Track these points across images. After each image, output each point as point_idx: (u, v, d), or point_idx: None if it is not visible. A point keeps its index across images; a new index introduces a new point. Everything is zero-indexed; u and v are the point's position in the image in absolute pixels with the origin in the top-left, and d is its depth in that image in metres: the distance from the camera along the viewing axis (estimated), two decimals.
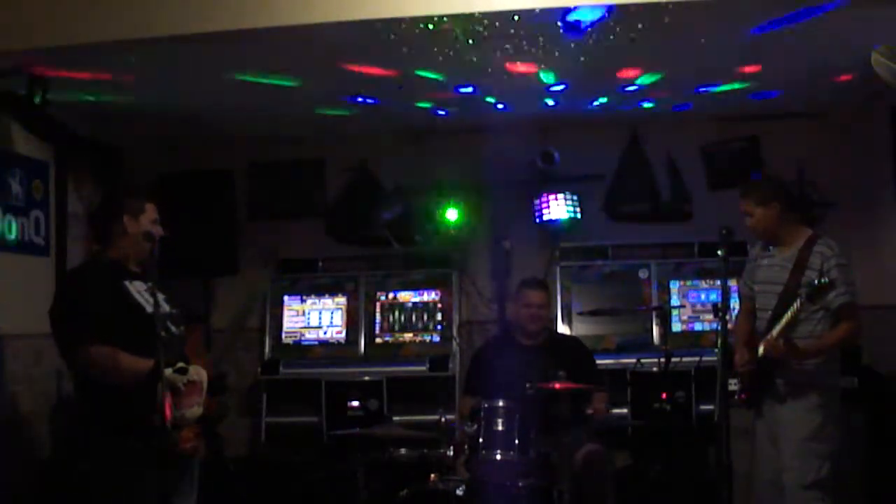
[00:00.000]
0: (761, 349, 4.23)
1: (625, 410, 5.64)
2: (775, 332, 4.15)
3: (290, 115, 5.92)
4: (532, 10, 3.99)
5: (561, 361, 4.72)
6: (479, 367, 5.19)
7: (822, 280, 4.04)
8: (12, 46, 4.28)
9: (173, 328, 3.67)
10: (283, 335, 6.35)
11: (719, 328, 4.02)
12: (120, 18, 4.13)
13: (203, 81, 5.14)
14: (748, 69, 5.07)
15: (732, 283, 4.66)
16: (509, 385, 4.63)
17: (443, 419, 4.50)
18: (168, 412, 3.32)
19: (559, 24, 4.18)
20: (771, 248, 4.43)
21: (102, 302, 3.50)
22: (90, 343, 3.44)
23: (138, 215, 3.69)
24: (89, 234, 3.83)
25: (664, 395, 5.38)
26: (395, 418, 5.28)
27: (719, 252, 4.10)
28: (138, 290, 3.63)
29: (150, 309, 3.52)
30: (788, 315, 4.09)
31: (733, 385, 4.33)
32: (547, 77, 5.08)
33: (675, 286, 6.08)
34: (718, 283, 4.33)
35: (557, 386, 4.37)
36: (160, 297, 3.56)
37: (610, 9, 4.03)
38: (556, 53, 4.62)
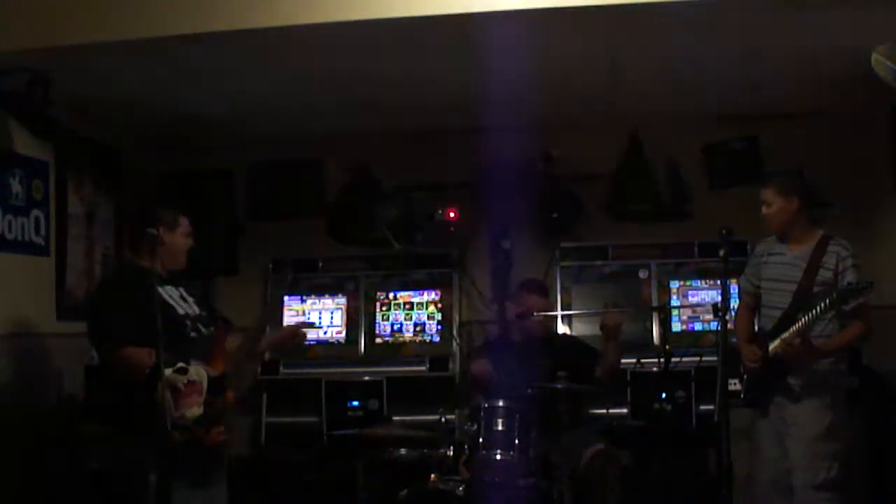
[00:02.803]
0: (772, 347, 4.22)
1: (625, 410, 5.63)
2: (793, 331, 4.14)
3: (290, 115, 5.93)
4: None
5: (559, 360, 4.72)
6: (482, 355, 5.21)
7: (843, 279, 4.04)
8: (13, 46, 4.27)
9: (203, 329, 3.75)
10: None
11: (719, 328, 4.02)
12: (120, 18, 4.14)
13: (203, 81, 5.14)
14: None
15: (732, 283, 4.67)
16: (508, 384, 4.63)
17: (443, 419, 4.50)
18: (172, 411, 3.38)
19: None
20: (782, 244, 4.42)
21: (137, 306, 3.58)
22: (127, 347, 3.56)
23: (173, 228, 3.88)
24: (123, 242, 4.04)
25: (664, 395, 5.38)
26: (395, 418, 5.28)
27: (719, 252, 4.10)
28: (170, 294, 3.77)
29: (180, 310, 3.71)
30: (812, 314, 4.08)
31: (734, 385, 4.33)
32: None
33: (675, 286, 6.08)
34: (718, 283, 4.33)
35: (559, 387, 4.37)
36: (191, 300, 3.77)
37: None
38: None
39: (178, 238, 3.91)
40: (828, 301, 4.05)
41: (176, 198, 6.21)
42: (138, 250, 3.86)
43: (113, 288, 3.95)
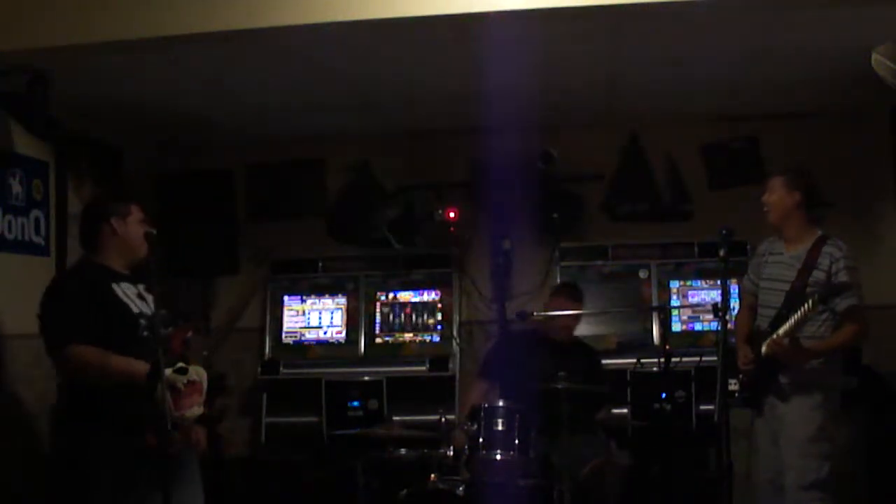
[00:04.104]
0: (765, 348, 4.22)
1: (625, 410, 5.64)
2: (781, 331, 4.14)
3: (290, 115, 5.93)
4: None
5: (580, 365, 4.74)
6: (500, 352, 5.20)
7: (838, 281, 4.05)
8: (13, 46, 4.27)
9: (161, 329, 3.67)
10: (283, 335, 6.36)
11: (719, 328, 4.02)
12: (121, 18, 4.13)
13: (203, 81, 5.15)
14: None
15: (732, 283, 4.67)
16: (525, 377, 4.63)
17: (443, 419, 4.50)
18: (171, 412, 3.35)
19: None
20: (780, 244, 4.43)
21: (88, 303, 3.53)
22: (74, 344, 3.46)
23: (125, 217, 3.73)
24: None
25: (664, 395, 5.38)
26: (395, 418, 5.28)
27: (719, 252, 4.10)
28: (125, 291, 3.66)
29: (135, 308, 3.58)
30: (798, 315, 4.08)
31: (733, 385, 4.33)
32: None
33: (675, 286, 6.08)
34: (718, 283, 4.34)
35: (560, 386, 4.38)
36: (149, 298, 3.61)
37: None
38: None
39: (132, 226, 3.74)
40: (810, 302, 4.05)
41: (176, 198, 6.24)
42: (92, 247, 3.77)
43: (64, 283, 3.83)
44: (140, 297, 3.69)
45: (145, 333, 3.51)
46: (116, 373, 3.45)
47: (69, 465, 3.61)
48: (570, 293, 5.28)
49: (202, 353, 3.71)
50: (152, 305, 3.63)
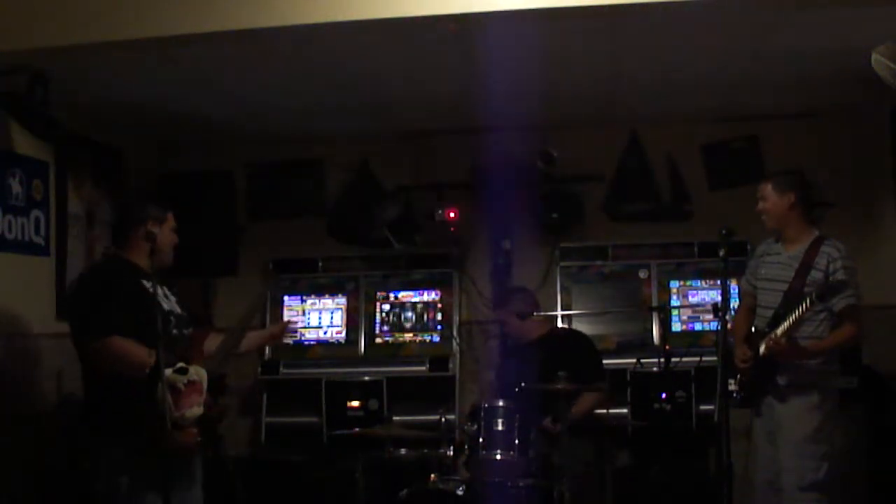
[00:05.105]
0: (762, 348, 4.23)
1: (625, 410, 5.64)
2: (779, 331, 4.15)
3: (290, 115, 5.93)
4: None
5: (559, 358, 4.72)
6: (504, 374, 5.25)
7: (833, 279, 4.05)
8: (13, 46, 4.27)
9: (184, 329, 3.74)
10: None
11: (719, 328, 4.03)
12: (121, 18, 4.13)
13: (203, 81, 5.15)
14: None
15: (732, 283, 4.67)
16: (511, 384, 4.65)
17: (443, 419, 4.50)
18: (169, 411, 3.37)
19: None
20: (778, 245, 4.43)
21: (124, 297, 3.62)
22: (115, 335, 3.53)
23: (162, 223, 3.85)
24: (108, 236, 4.07)
25: (664, 395, 5.38)
26: (395, 418, 5.29)
27: (719, 252, 4.10)
28: (154, 289, 3.71)
29: (165, 306, 3.69)
30: (795, 315, 4.09)
31: (733, 385, 4.33)
32: None
33: (675, 286, 6.08)
34: (718, 283, 4.34)
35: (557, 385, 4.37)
36: (172, 298, 3.73)
37: None
38: None
39: (167, 233, 3.88)
40: (808, 301, 4.06)
41: (175, 198, 6.23)
42: (124, 245, 3.85)
43: (98, 277, 3.91)
44: (165, 296, 3.80)
45: (174, 332, 3.60)
46: (137, 362, 3.50)
47: (72, 463, 3.63)
48: (500, 302, 5.41)
49: (216, 360, 3.77)
50: (175, 306, 3.81)
